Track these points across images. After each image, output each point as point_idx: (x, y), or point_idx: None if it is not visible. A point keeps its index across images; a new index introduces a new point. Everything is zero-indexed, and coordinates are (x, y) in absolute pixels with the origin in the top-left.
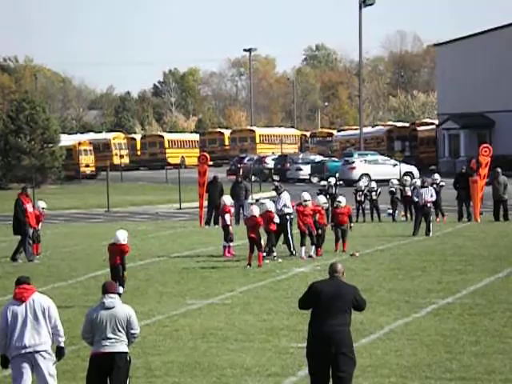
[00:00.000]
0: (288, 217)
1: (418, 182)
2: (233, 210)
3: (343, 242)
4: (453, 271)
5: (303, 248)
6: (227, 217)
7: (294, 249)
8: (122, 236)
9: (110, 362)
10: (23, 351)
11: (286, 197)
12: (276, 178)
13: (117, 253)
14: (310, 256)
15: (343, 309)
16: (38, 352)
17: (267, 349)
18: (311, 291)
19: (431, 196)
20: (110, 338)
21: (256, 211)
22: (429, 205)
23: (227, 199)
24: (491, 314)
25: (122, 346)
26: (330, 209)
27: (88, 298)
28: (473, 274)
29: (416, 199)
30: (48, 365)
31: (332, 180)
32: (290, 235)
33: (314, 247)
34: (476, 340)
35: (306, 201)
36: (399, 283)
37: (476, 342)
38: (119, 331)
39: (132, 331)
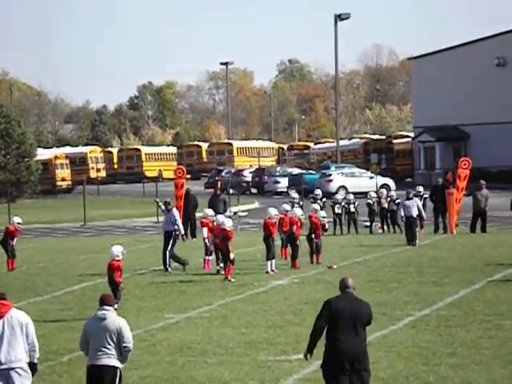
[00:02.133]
0: (174, 233)
1: (394, 194)
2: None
3: (317, 254)
4: (429, 283)
5: (271, 262)
6: (205, 230)
7: (169, 266)
8: (117, 251)
9: (98, 375)
10: None
11: (175, 213)
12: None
13: (112, 268)
14: (267, 272)
15: (362, 325)
16: (13, 369)
17: (246, 362)
18: (329, 309)
19: (417, 208)
20: (99, 351)
21: (229, 224)
22: (414, 215)
23: (208, 212)
24: (467, 326)
25: (109, 360)
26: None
27: (64, 313)
28: (449, 285)
29: (402, 212)
30: (23, 381)
31: (319, 192)
32: (170, 252)
33: (270, 262)
34: (452, 352)
35: (287, 211)
36: (376, 295)
37: (452, 354)
38: (109, 344)
39: (124, 344)
